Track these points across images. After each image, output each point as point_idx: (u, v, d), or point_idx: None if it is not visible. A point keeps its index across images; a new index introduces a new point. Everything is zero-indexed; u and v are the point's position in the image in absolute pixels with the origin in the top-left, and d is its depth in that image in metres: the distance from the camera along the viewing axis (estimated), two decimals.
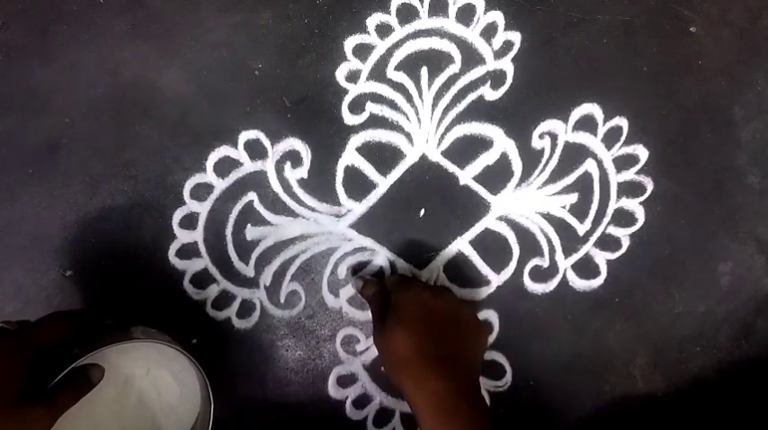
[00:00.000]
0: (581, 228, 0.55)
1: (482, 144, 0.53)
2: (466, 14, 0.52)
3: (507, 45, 0.53)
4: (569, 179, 0.55)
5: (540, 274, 0.55)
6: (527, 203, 0.54)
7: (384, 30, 0.51)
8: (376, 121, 0.52)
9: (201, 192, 0.51)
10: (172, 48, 0.50)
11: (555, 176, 0.54)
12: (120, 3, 0.50)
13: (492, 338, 0.55)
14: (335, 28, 0.51)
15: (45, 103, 0.50)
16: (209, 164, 0.51)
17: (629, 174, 0.55)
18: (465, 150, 0.53)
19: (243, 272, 0.52)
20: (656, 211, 0.55)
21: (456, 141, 0.53)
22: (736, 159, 0.56)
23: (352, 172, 0.53)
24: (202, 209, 0.51)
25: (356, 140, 0.52)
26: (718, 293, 0.57)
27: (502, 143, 0.53)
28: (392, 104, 0.52)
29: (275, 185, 0.52)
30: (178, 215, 0.51)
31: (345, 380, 0.54)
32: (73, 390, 0.39)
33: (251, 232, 0.52)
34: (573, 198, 0.55)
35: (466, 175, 0.54)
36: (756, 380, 0.57)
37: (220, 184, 0.51)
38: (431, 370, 0.42)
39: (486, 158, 0.54)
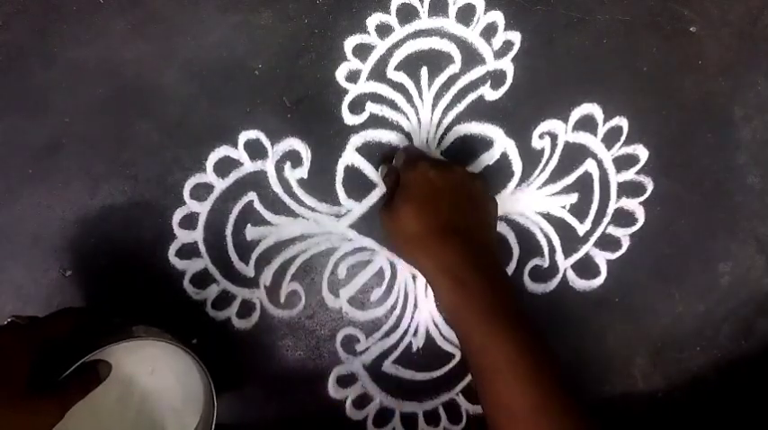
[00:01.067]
0: (581, 228, 0.55)
1: (482, 144, 0.53)
2: (466, 14, 0.52)
3: (507, 45, 0.53)
4: (569, 179, 0.55)
5: (540, 274, 0.55)
6: (527, 203, 0.54)
7: (384, 30, 0.51)
8: (376, 121, 0.52)
9: (201, 192, 0.51)
10: (172, 48, 0.50)
11: (555, 176, 0.54)
12: (120, 3, 0.49)
13: None
14: (335, 28, 0.51)
15: (45, 103, 0.49)
16: (209, 164, 0.51)
17: (629, 174, 0.55)
18: (465, 150, 0.53)
19: (243, 272, 0.52)
20: (656, 211, 0.55)
21: (456, 141, 0.53)
22: (736, 159, 0.56)
23: (352, 172, 0.53)
24: (202, 209, 0.51)
25: (356, 140, 0.52)
26: (718, 293, 0.57)
27: (502, 143, 0.53)
28: (392, 104, 0.52)
29: (275, 185, 0.52)
30: (178, 215, 0.51)
31: (345, 380, 0.54)
32: (82, 384, 0.40)
33: (251, 232, 0.52)
34: (573, 198, 0.55)
35: None
36: (756, 380, 0.57)
37: (220, 184, 0.51)
38: (444, 243, 0.43)
39: (486, 158, 0.54)
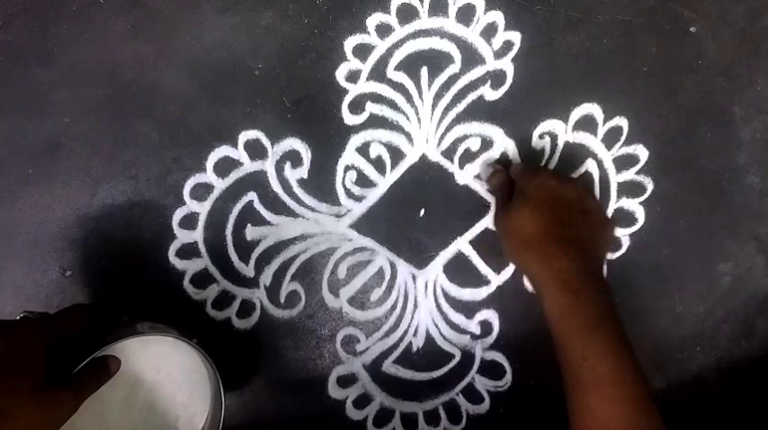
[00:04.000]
0: None
1: (482, 144, 0.53)
2: (466, 14, 0.52)
3: (507, 45, 0.53)
4: None
5: None
6: None
7: (384, 30, 0.51)
8: (376, 121, 0.52)
9: (201, 192, 0.51)
10: (172, 48, 0.50)
11: None
12: (120, 3, 0.50)
13: (492, 338, 0.55)
14: (335, 28, 0.51)
15: (45, 103, 0.50)
16: (209, 164, 0.51)
17: (629, 174, 0.55)
18: (465, 150, 0.53)
19: (243, 272, 0.52)
20: (656, 211, 0.55)
21: (456, 141, 0.53)
22: (736, 159, 0.56)
23: (352, 172, 0.53)
24: (202, 209, 0.51)
25: (356, 140, 0.52)
26: (718, 293, 0.57)
27: (502, 143, 0.53)
28: (392, 104, 0.52)
29: (275, 185, 0.52)
30: (178, 215, 0.51)
31: (345, 380, 0.54)
32: (95, 377, 0.41)
33: (251, 232, 0.52)
34: None
35: (466, 175, 0.54)
36: (756, 380, 0.57)
37: (220, 184, 0.51)
38: (558, 249, 0.44)
39: (487, 158, 0.54)
